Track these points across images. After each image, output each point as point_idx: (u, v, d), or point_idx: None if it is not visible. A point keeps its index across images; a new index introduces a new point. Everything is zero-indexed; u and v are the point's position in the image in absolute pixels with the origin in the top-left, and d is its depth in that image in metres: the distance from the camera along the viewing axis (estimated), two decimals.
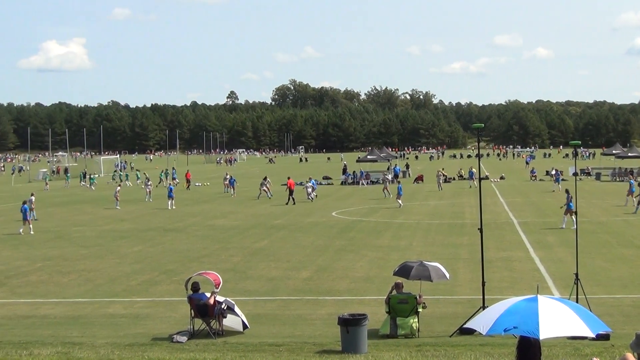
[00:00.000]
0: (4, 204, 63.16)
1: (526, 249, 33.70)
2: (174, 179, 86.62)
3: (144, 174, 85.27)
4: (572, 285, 20.86)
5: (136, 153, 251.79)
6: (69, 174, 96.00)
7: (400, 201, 54.40)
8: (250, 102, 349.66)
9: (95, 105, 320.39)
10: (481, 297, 20.05)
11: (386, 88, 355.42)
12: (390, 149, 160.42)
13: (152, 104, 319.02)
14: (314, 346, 18.42)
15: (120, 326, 21.36)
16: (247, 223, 46.53)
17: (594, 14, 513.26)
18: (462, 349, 17.39)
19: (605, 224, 42.70)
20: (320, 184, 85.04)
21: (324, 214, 51.25)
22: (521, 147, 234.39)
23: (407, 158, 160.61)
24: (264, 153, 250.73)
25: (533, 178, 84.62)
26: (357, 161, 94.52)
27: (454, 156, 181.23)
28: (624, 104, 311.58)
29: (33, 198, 51.45)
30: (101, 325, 21.54)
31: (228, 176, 73.31)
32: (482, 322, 10.70)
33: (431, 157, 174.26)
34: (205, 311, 19.90)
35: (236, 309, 20.19)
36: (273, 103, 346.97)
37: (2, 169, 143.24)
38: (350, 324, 17.79)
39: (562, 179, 70.72)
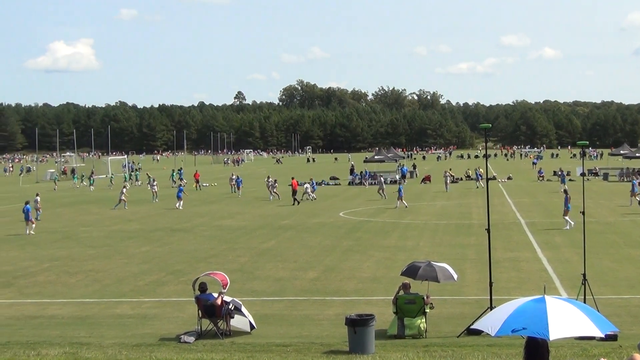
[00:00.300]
0: (11, 204, 63.22)
1: (534, 250, 33.65)
2: (181, 179, 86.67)
3: (147, 174, 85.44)
4: (579, 286, 20.80)
5: (144, 153, 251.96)
6: (76, 175, 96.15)
7: (399, 202, 54.17)
8: (258, 102, 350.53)
9: (103, 106, 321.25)
10: (488, 297, 20.01)
11: (393, 88, 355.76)
12: (397, 150, 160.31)
13: (159, 105, 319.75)
14: (322, 346, 18.41)
15: (127, 326, 21.38)
16: (255, 223, 46.55)
17: (601, 14, 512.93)
18: (469, 350, 17.37)
19: (612, 225, 42.60)
20: (328, 184, 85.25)
21: (331, 214, 51.24)
22: (529, 148, 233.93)
23: (415, 158, 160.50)
24: (271, 153, 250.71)
25: (540, 178, 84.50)
26: (365, 161, 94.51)
27: (461, 156, 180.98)
28: (631, 104, 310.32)
29: (38, 198, 51.65)
30: (109, 325, 21.56)
31: (234, 176, 73.38)
32: (490, 324, 10.67)
33: (438, 158, 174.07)
34: (213, 311, 19.90)
35: (243, 309, 20.19)
36: (280, 103, 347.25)
37: (11, 169, 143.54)
38: (358, 324, 17.77)
39: (570, 179, 70.57)
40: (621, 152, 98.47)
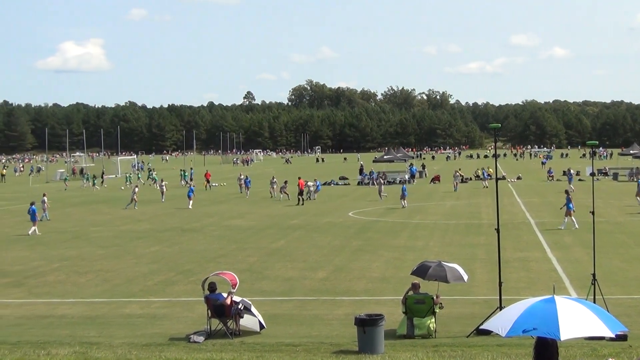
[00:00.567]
0: (21, 204, 63.32)
1: (543, 249, 33.59)
2: (191, 179, 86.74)
3: (151, 174, 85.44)
4: (589, 286, 20.77)
5: (153, 154, 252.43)
6: (86, 174, 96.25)
7: (403, 202, 54.14)
8: (267, 102, 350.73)
9: (113, 106, 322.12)
10: (498, 297, 19.99)
11: (403, 88, 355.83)
12: (407, 150, 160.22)
13: (169, 105, 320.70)
14: (331, 346, 18.41)
15: (137, 326, 21.42)
16: (264, 223, 46.58)
17: (610, 14, 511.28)
18: (479, 350, 17.35)
19: (622, 224, 42.50)
20: (337, 184, 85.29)
21: (340, 214, 51.24)
22: (538, 147, 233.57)
23: (424, 158, 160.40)
24: (280, 153, 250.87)
25: (550, 178, 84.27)
26: (374, 161, 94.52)
27: (471, 156, 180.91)
28: None
29: (45, 198, 51.79)
30: (118, 325, 21.61)
31: (242, 177, 73.46)
32: (500, 324, 10.65)
33: (448, 157, 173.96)
34: (222, 311, 19.92)
35: (253, 309, 20.21)
36: (290, 103, 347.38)
37: (21, 169, 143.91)
38: (367, 324, 17.77)
39: (580, 179, 70.39)
40: (631, 151, 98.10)
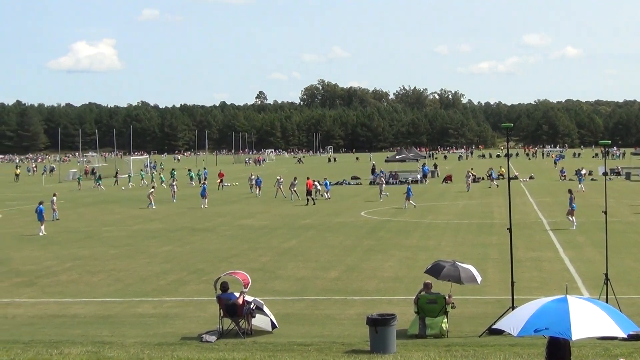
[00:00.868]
0: (33, 204, 63.38)
1: (555, 249, 33.51)
2: (205, 179, 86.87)
3: (159, 174, 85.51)
4: (601, 286, 20.71)
5: (165, 153, 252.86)
6: (97, 174, 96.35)
7: (407, 202, 53.98)
8: (279, 102, 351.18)
9: (125, 106, 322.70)
10: (510, 297, 19.97)
11: (415, 88, 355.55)
12: (419, 149, 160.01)
13: (181, 105, 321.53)
14: (343, 346, 18.41)
15: (149, 325, 21.46)
16: (275, 223, 46.62)
17: (623, 13, 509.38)
18: (491, 349, 17.32)
19: (635, 224, 42.38)
20: (349, 184, 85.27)
21: (352, 213, 51.23)
22: (551, 147, 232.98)
23: (436, 158, 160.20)
24: (292, 153, 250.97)
25: (562, 178, 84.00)
26: (386, 161, 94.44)
27: (483, 156, 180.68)
28: None
29: (55, 198, 51.99)
30: (131, 324, 21.66)
31: (253, 176, 73.57)
32: (512, 324, 10.66)
33: (460, 157, 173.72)
34: (234, 311, 19.95)
35: (265, 308, 20.23)
36: (302, 103, 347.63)
37: (34, 169, 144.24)
38: (379, 324, 17.76)
39: (592, 179, 70.16)
40: None
